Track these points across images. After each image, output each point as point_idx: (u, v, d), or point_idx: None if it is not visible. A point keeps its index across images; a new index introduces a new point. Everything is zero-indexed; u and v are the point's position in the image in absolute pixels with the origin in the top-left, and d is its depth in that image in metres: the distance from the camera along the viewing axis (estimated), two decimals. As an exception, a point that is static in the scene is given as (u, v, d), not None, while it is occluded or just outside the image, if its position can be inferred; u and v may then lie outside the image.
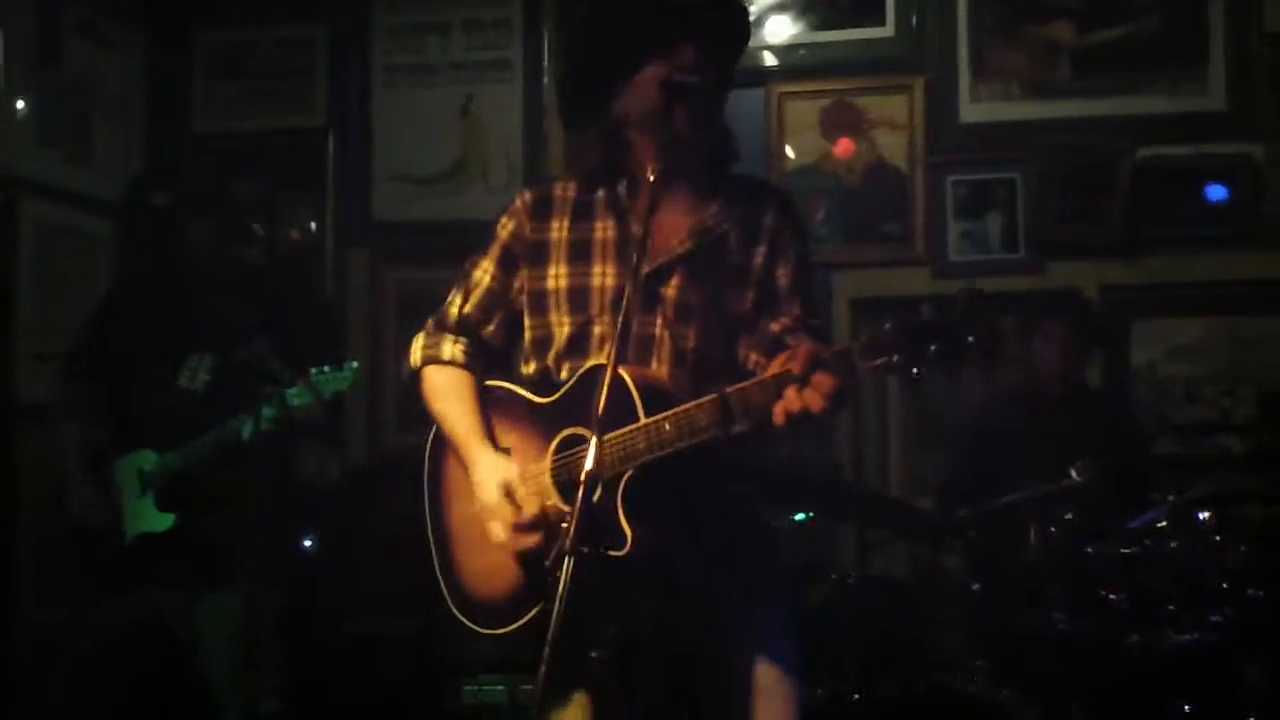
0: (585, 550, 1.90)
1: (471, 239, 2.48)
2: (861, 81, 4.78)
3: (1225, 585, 3.50)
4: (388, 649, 4.39)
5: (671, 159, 2.24)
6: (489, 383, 2.41)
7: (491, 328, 2.43)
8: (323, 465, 3.84)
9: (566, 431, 2.22)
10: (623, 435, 2.09)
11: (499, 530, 2.20)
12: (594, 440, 1.98)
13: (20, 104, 4.36)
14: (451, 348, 2.43)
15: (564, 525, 2.01)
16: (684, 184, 2.32)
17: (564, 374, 2.30)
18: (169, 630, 3.49)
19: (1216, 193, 4.55)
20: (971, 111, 4.75)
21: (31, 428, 4.10)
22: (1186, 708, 3.47)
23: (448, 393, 2.40)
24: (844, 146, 4.77)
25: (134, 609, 3.47)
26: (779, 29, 4.84)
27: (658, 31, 2.27)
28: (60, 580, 3.83)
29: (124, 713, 3.45)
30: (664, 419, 2.07)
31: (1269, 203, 4.51)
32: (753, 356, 2.29)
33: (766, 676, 2.25)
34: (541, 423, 2.28)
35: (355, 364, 3.38)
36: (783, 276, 2.33)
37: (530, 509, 2.18)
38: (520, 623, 2.22)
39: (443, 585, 2.39)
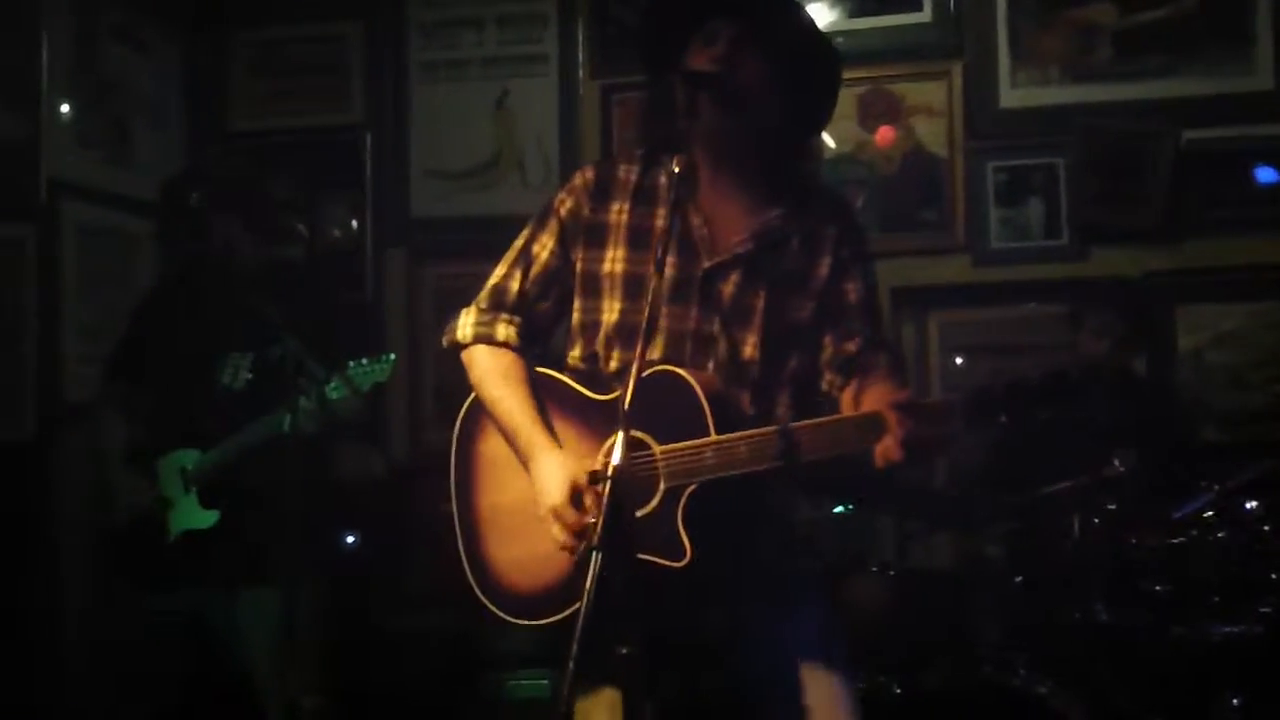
0: (640, 557, 1.86)
1: (508, 234, 2.45)
2: (898, 68, 4.72)
3: (1274, 575, 3.44)
4: (431, 644, 4.41)
5: (705, 151, 2.21)
6: (538, 370, 2.31)
7: (546, 305, 2.34)
8: (365, 464, 3.85)
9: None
10: (690, 448, 2.04)
11: (561, 534, 2.08)
12: (619, 438, 1.86)
13: (61, 108, 4.40)
14: (506, 329, 2.32)
15: (590, 520, 1.99)
16: (743, 179, 2.27)
17: (612, 364, 2.24)
18: (210, 626, 3.51)
19: (1266, 175, 4.47)
20: (1011, 96, 4.68)
21: (77, 428, 4.14)
22: (1235, 700, 3.41)
23: (504, 379, 2.28)
24: (885, 135, 4.73)
25: (177, 605, 3.50)
26: (814, 16, 4.78)
27: (697, 12, 2.24)
28: (106, 579, 3.87)
29: (168, 709, 3.49)
30: (740, 440, 2.01)
31: (1317, 184, 4.44)
32: (827, 375, 2.23)
33: (813, 676, 2.20)
34: (596, 420, 2.18)
35: (393, 356, 3.38)
36: (851, 292, 2.26)
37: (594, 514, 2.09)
38: (559, 617, 2.14)
39: (467, 568, 2.31)
